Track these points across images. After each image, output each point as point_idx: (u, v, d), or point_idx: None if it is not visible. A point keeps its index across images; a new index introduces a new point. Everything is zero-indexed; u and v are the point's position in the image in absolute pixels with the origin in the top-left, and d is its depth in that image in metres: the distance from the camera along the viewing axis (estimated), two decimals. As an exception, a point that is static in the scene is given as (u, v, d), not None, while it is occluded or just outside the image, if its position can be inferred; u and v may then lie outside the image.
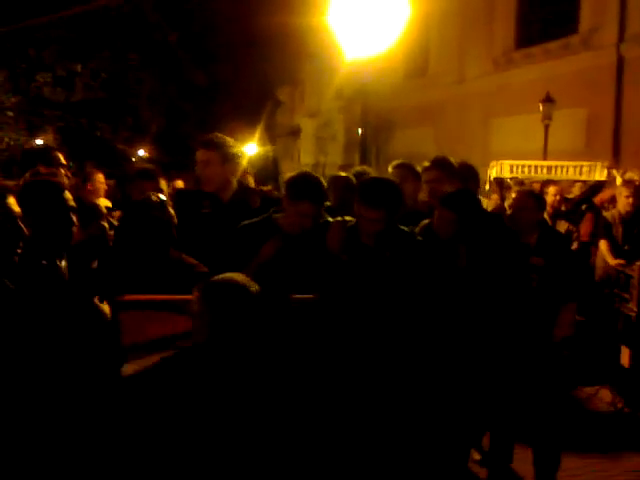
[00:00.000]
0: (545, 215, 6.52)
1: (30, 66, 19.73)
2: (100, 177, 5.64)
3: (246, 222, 3.40)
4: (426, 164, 4.34)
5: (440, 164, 4.26)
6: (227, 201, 3.83)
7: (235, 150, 3.86)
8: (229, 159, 3.78)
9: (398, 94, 22.76)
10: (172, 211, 3.23)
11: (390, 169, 4.51)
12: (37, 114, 19.52)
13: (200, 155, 3.82)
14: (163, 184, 5.63)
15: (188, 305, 2.56)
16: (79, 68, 19.80)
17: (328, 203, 3.90)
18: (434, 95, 22.42)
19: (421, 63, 23.84)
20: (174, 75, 22.36)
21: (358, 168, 4.98)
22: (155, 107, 22.04)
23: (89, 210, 3.79)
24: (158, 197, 3.21)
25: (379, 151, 22.64)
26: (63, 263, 2.96)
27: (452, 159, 4.84)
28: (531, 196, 4.03)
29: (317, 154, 27.99)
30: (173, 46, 21.81)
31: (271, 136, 30.80)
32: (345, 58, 7.21)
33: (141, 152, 24.55)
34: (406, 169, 4.40)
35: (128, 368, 2.65)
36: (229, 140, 3.85)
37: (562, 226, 6.51)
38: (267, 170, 25.08)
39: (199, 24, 22.80)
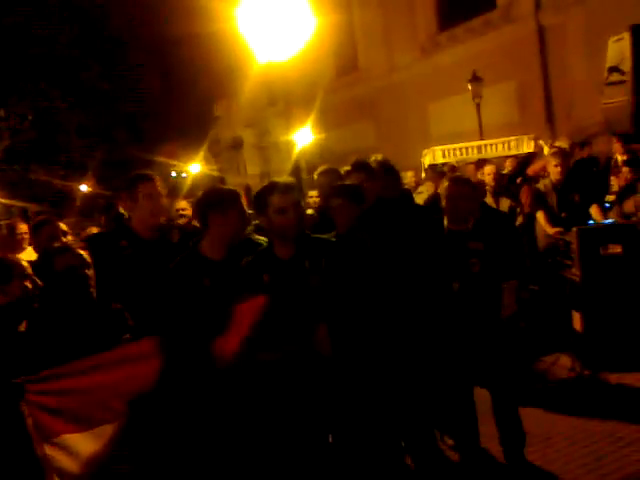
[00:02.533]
0: (488, 195, 6.61)
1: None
2: (22, 227, 5.39)
3: (172, 265, 3.33)
4: (347, 168, 4.36)
5: (360, 167, 4.26)
6: (148, 238, 3.73)
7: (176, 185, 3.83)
8: (170, 194, 3.76)
9: (333, 92, 22.81)
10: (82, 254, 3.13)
11: (316, 176, 4.50)
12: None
13: (145, 189, 3.68)
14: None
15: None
16: (3, 113, 19.33)
17: (257, 222, 3.91)
18: (368, 88, 22.56)
19: (350, 59, 23.96)
20: (102, 106, 21.99)
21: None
22: (87, 141, 21.65)
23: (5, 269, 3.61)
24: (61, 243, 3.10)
25: (324, 152, 22.64)
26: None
27: (376, 157, 4.84)
28: (464, 184, 4.03)
29: (262, 164, 27.88)
30: (96, 79, 21.48)
31: (214, 152, 30.57)
32: (259, 63, 7.16)
33: (84, 187, 24.07)
34: (331, 174, 4.40)
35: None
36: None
37: (505, 203, 6.57)
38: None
39: (121, 53, 22.53)
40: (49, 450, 2.52)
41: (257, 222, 3.96)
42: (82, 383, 2.64)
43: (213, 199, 3.32)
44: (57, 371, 2.63)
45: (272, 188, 3.25)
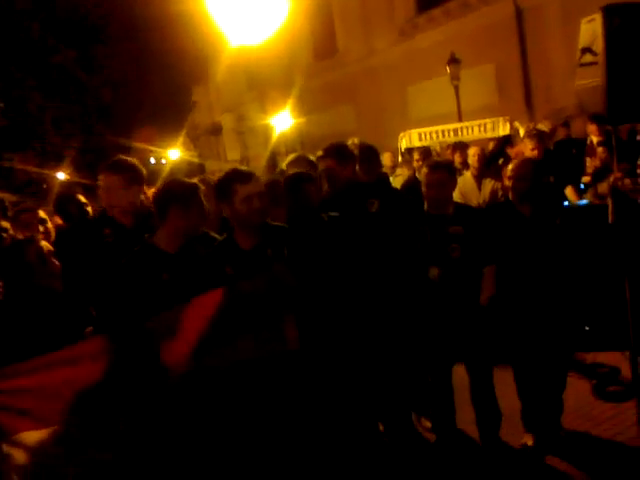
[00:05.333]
0: (470, 175, 6.60)
1: None
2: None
3: (125, 258, 3.26)
4: (319, 153, 4.30)
5: (333, 152, 4.21)
6: (131, 226, 3.68)
7: (141, 171, 3.72)
8: (132, 183, 3.64)
9: (311, 76, 22.68)
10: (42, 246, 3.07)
11: (285, 166, 4.44)
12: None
13: (102, 180, 3.68)
14: None
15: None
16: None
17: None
18: (347, 72, 22.43)
19: (329, 43, 23.78)
20: (77, 94, 21.66)
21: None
22: (63, 127, 21.33)
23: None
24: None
25: (304, 137, 22.54)
26: None
27: (353, 141, 4.78)
28: (444, 169, 3.99)
29: (242, 149, 27.72)
30: (70, 66, 21.11)
31: (193, 137, 30.33)
32: (234, 46, 7.05)
33: (61, 175, 23.78)
34: (300, 164, 4.34)
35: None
36: (133, 163, 3.72)
37: (488, 184, 6.56)
38: (193, 173, 24.68)
39: (94, 38, 22.15)
40: (7, 448, 2.48)
41: None
42: (37, 381, 2.59)
43: (176, 192, 3.24)
44: (13, 369, 2.58)
45: (237, 176, 3.20)
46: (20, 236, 4.21)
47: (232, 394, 2.99)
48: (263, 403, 3.06)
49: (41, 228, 4.95)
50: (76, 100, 21.57)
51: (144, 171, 3.81)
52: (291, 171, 4.25)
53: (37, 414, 2.58)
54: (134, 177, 3.68)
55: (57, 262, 3.14)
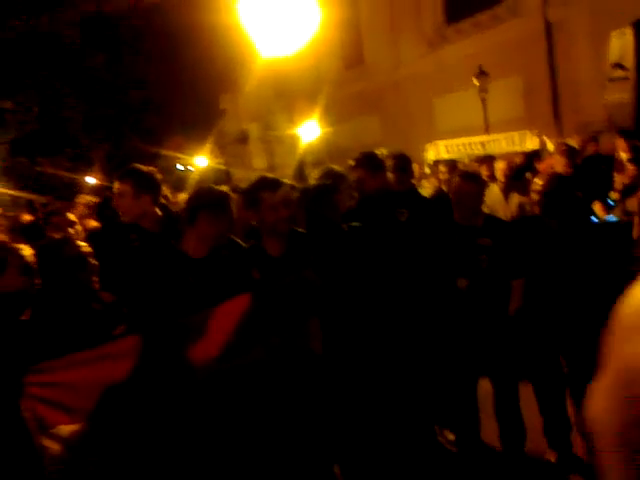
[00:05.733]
0: (497, 188, 6.59)
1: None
2: (26, 219, 5.50)
3: (152, 260, 3.37)
4: (351, 163, 4.35)
5: (364, 162, 4.26)
6: (155, 230, 3.76)
7: (152, 179, 3.79)
8: (145, 189, 3.71)
9: (339, 87, 22.77)
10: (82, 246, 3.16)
11: (312, 181, 4.49)
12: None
13: (115, 187, 3.77)
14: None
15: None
16: (9, 105, 19.37)
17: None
18: (373, 83, 22.50)
19: (356, 53, 23.87)
20: (107, 98, 22.01)
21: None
22: (93, 133, 21.68)
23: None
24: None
25: (330, 146, 22.60)
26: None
27: (381, 151, 4.83)
28: (474, 180, 4.00)
29: (268, 158, 27.87)
30: (101, 71, 21.48)
31: (220, 145, 30.56)
32: (262, 57, 7.12)
33: (90, 180, 24.15)
34: (329, 175, 4.39)
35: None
36: (146, 170, 3.79)
37: (515, 198, 6.54)
38: (220, 181, 24.86)
39: (128, 43, 22.52)
40: (46, 441, 2.56)
41: None
42: (74, 377, 2.69)
43: (206, 199, 3.31)
44: (53, 364, 2.67)
45: (264, 184, 3.26)
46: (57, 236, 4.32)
47: (254, 395, 3.05)
48: (284, 405, 3.12)
49: (71, 230, 5.09)
50: (106, 106, 21.90)
51: (157, 179, 3.84)
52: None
53: (72, 408, 2.67)
54: (145, 185, 3.72)
55: (94, 262, 3.23)
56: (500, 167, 6.79)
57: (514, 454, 3.90)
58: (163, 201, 5.06)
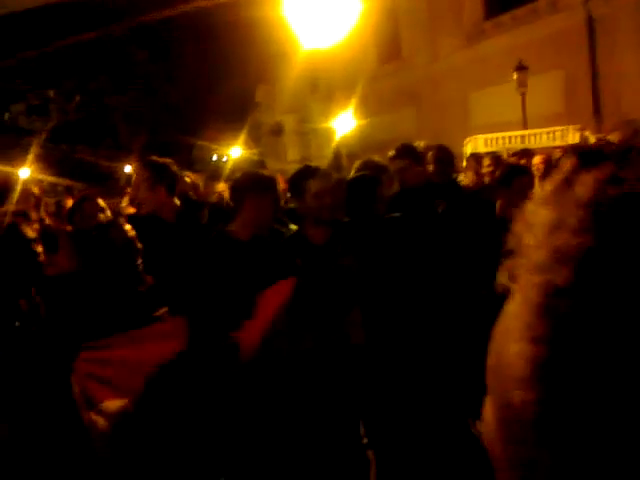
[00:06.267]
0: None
1: (2, 98, 19.73)
2: (69, 203, 5.63)
3: (200, 244, 3.46)
4: (391, 154, 4.36)
5: (405, 152, 4.27)
6: (173, 221, 3.85)
7: (166, 169, 3.86)
8: (161, 180, 3.79)
9: (375, 80, 22.69)
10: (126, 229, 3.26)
11: (353, 173, 4.52)
12: (15, 145, 19.51)
13: (133, 180, 3.88)
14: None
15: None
16: (52, 94, 19.77)
17: (292, 205, 3.99)
18: (410, 77, 22.35)
19: (394, 46, 23.74)
20: (148, 89, 22.33)
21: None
22: (133, 123, 22.00)
23: (51, 239, 3.77)
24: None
25: (365, 139, 22.56)
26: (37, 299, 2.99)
27: (418, 144, 4.84)
28: (527, 176, 3.99)
29: (302, 150, 27.93)
30: (144, 64, 21.81)
31: (255, 137, 30.71)
32: (304, 49, 7.18)
33: (128, 168, 24.52)
34: (369, 166, 4.41)
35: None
36: (160, 162, 3.87)
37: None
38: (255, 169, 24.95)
39: (167, 38, 22.81)
40: (94, 416, 2.67)
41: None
42: (127, 354, 2.79)
43: (252, 182, 3.38)
44: (106, 341, 2.78)
45: (309, 173, 3.31)
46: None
47: (295, 382, 3.12)
48: (322, 393, 3.17)
49: (101, 216, 5.22)
50: (146, 98, 22.22)
51: (173, 170, 3.92)
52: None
53: (118, 385, 2.78)
54: (160, 177, 3.81)
55: (139, 246, 3.33)
56: (536, 162, 6.72)
57: None
58: (190, 193, 5.17)
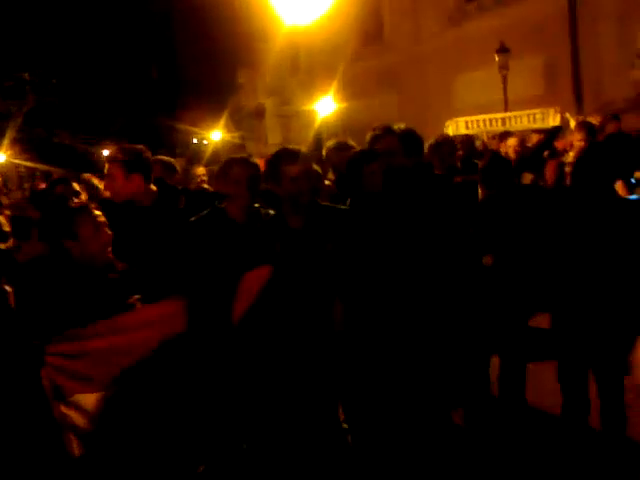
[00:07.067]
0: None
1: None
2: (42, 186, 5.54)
3: (193, 218, 3.46)
4: (377, 132, 4.28)
5: (391, 130, 4.21)
6: (149, 205, 3.77)
7: (140, 157, 3.78)
8: (135, 169, 3.71)
9: (357, 61, 22.54)
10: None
11: (325, 151, 4.46)
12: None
13: (106, 169, 3.81)
14: None
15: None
16: (27, 76, 19.39)
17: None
18: (392, 59, 22.23)
19: (375, 28, 23.59)
20: (126, 72, 22.00)
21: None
22: (110, 106, 21.70)
23: (24, 226, 3.67)
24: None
25: (346, 122, 22.45)
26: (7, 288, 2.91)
27: (399, 126, 4.75)
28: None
29: (284, 133, 27.78)
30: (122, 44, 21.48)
31: (236, 120, 30.49)
32: (284, 27, 7.12)
33: (106, 152, 24.26)
34: (343, 148, 4.34)
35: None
36: (134, 149, 3.80)
37: (527, 177, 6.46)
38: (235, 154, 24.81)
39: (146, 16, 22.44)
40: (65, 409, 2.60)
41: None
42: (96, 345, 2.71)
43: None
44: (73, 333, 2.70)
45: (284, 156, 3.25)
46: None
47: (274, 366, 3.08)
48: (301, 379, 3.14)
49: (75, 200, 5.10)
50: (124, 79, 21.92)
51: (148, 157, 3.84)
52: (332, 157, 4.27)
53: (92, 377, 2.70)
54: (134, 166, 3.71)
55: (110, 232, 3.23)
56: (511, 144, 6.69)
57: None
58: (177, 175, 5.08)
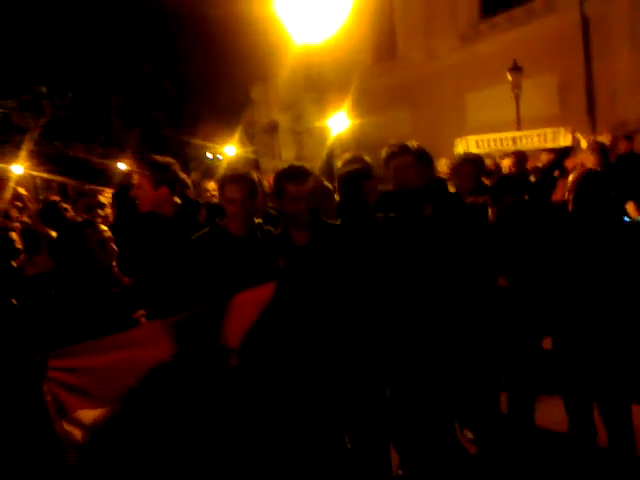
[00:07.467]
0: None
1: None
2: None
3: (194, 236, 3.47)
4: (393, 150, 4.26)
5: (408, 149, 4.20)
6: (171, 217, 3.83)
7: (169, 170, 3.84)
8: (161, 180, 3.78)
9: (370, 79, 22.63)
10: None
11: (340, 165, 4.46)
12: (7, 142, 19.37)
13: (135, 178, 3.86)
14: None
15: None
16: (44, 90, 19.65)
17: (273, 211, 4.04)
18: (405, 76, 22.31)
19: (389, 45, 23.71)
20: (141, 86, 22.21)
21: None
22: (126, 120, 21.89)
23: (34, 240, 3.71)
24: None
25: (359, 139, 22.49)
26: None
27: (412, 143, 4.76)
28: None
29: (297, 148, 27.89)
30: (138, 60, 21.70)
31: (250, 135, 30.66)
32: (297, 45, 7.13)
33: (122, 166, 24.40)
34: (358, 162, 4.34)
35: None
36: (163, 162, 3.86)
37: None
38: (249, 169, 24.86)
39: (161, 31, 22.68)
40: (66, 426, 2.60)
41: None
42: (99, 361, 2.71)
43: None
44: (75, 348, 2.70)
45: (287, 174, 3.26)
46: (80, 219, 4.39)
47: (279, 385, 3.07)
48: (308, 396, 3.13)
49: (101, 212, 5.16)
50: (140, 91, 22.08)
51: (175, 170, 3.92)
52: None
53: (94, 393, 2.70)
54: (163, 178, 3.79)
55: (115, 247, 3.25)
56: (506, 163, 6.68)
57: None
58: (190, 190, 5.13)
